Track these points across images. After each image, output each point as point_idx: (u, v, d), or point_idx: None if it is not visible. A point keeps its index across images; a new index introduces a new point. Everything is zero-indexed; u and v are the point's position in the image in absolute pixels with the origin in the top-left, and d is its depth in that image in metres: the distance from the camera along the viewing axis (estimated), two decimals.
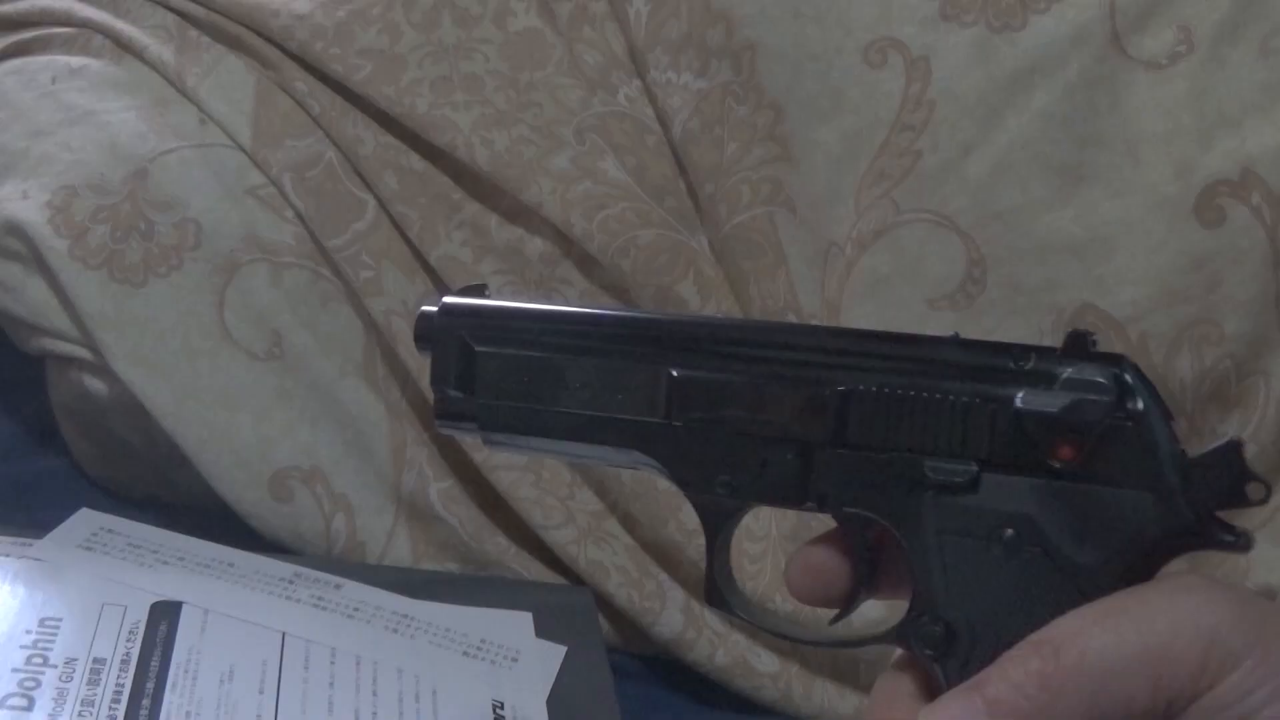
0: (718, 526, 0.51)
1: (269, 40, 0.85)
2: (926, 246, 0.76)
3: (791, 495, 0.49)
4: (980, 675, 0.43)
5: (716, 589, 0.51)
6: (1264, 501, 0.43)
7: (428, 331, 0.54)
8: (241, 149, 0.83)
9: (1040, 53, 0.74)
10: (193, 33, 0.87)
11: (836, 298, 0.79)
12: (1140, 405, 0.44)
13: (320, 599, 0.74)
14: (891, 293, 0.77)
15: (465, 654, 0.72)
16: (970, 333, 0.74)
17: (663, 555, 0.81)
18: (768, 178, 0.80)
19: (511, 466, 0.81)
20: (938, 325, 0.76)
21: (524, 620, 0.76)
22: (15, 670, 0.62)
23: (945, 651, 0.46)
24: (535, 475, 0.81)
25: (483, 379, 0.52)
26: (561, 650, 0.74)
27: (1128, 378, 0.44)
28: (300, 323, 0.82)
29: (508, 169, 0.81)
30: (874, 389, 0.47)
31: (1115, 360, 0.44)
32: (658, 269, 0.81)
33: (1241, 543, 0.44)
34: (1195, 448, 0.44)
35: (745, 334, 0.51)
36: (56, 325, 0.82)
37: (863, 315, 0.78)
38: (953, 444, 0.46)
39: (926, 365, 0.47)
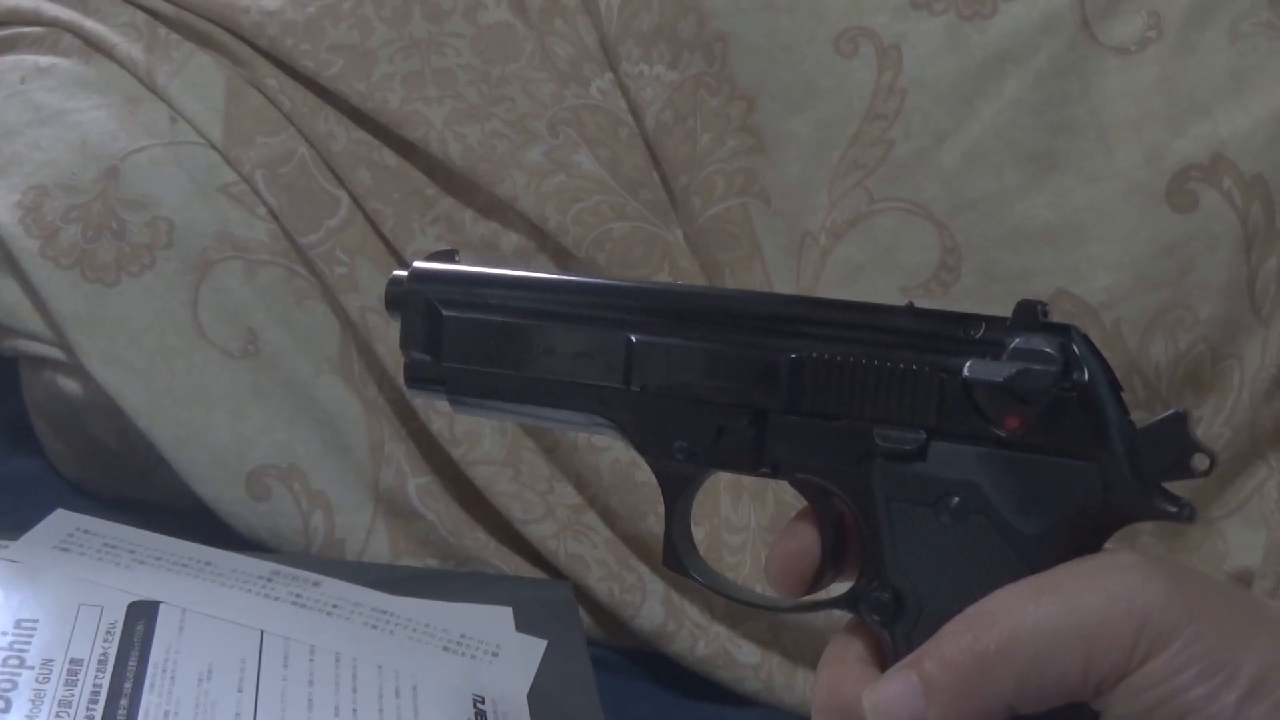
0: (676, 492, 0.51)
1: (239, 37, 0.84)
2: (900, 235, 0.76)
3: (746, 461, 0.49)
4: (918, 651, 0.44)
5: (675, 553, 0.52)
6: (1208, 473, 0.44)
7: (397, 296, 0.55)
8: (213, 146, 0.83)
9: (1011, 40, 0.74)
10: (162, 30, 0.86)
11: (811, 287, 0.79)
12: (1087, 375, 0.44)
13: (299, 596, 0.73)
14: (866, 282, 0.77)
15: (445, 649, 0.72)
16: None
17: (642, 548, 0.81)
18: (741, 169, 0.80)
19: (490, 461, 0.81)
20: None
21: (504, 614, 0.76)
22: None
23: (893, 617, 0.46)
24: (514, 470, 0.81)
25: (449, 343, 0.53)
26: (542, 644, 0.74)
27: (1075, 348, 0.44)
28: (275, 320, 0.82)
29: (481, 163, 0.81)
30: (826, 356, 0.48)
31: (1063, 330, 0.45)
32: (633, 261, 0.81)
33: (1185, 513, 0.44)
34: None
35: (703, 301, 0.51)
36: (29, 326, 0.82)
37: None
38: (902, 412, 0.46)
39: (878, 334, 0.47)
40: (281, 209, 0.82)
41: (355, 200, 0.83)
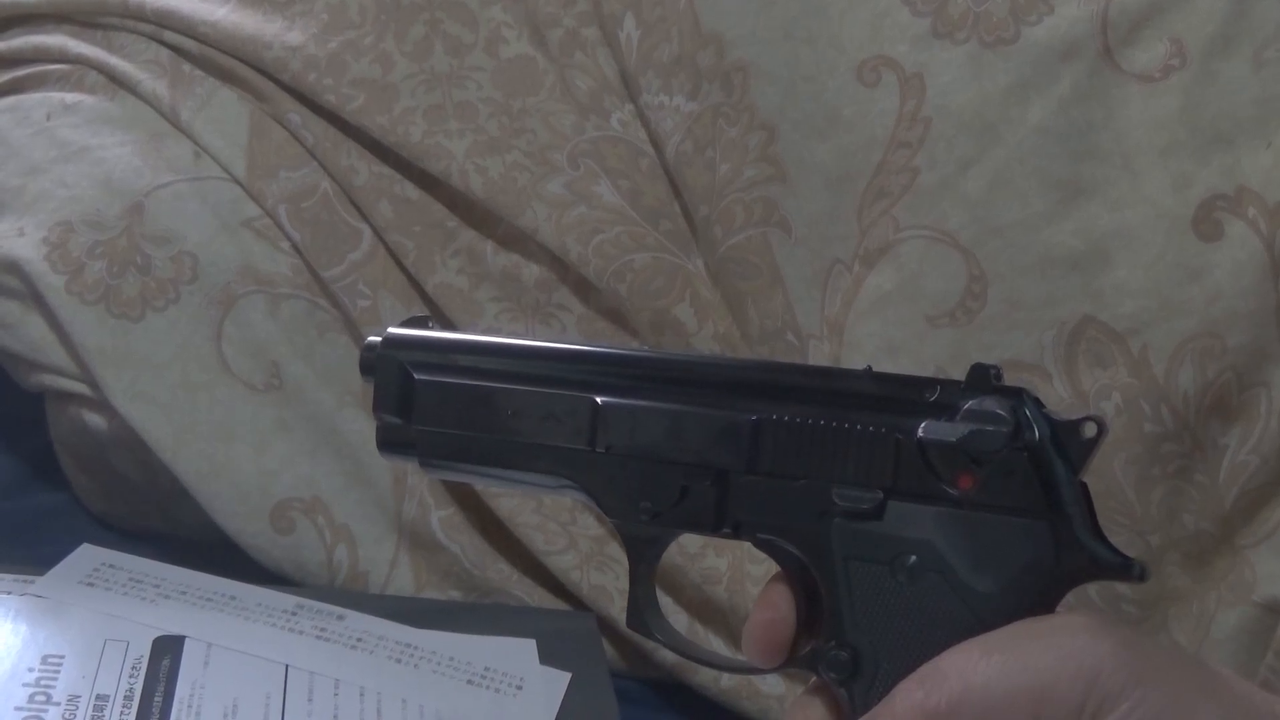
0: (641, 555, 0.52)
1: (262, 72, 0.85)
2: (926, 263, 0.76)
3: (709, 522, 0.51)
4: (873, 711, 0.45)
5: (639, 614, 0.53)
6: (1098, 439, 0.45)
7: (371, 361, 0.56)
8: (236, 181, 0.84)
9: (1033, 67, 0.74)
10: (186, 66, 0.87)
11: (841, 316, 0.79)
12: (1037, 436, 0.45)
13: (323, 630, 0.73)
14: (892, 310, 0.77)
15: (469, 682, 0.72)
16: (971, 349, 0.75)
17: (665, 579, 0.81)
18: (761, 198, 0.80)
19: (512, 493, 0.81)
20: (938, 343, 0.75)
21: (528, 647, 0.75)
22: (18, 709, 0.62)
23: (850, 676, 0.47)
24: (536, 501, 0.81)
25: (421, 407, 0.55)
26: (566, 676, 0.74)
27: (1026, 410, 0.46)
28: (298, 353, 0.82)
29: (502, 195, 0.82)
30: (786, 418, 0.49)
31: (1015, 393, 0.46)
32: (654, 292, 0.81)
33: (1136, 572, 0.45)
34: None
35: (667, 365, 0.53)
36: (55, 361, 0.82)
37: (865, 333, 0.78)
38: (859, 472, 0.47)
39: (837, 396, 0.49)
40: (304, 243, 0.83)
41: (377, 233, 0.83)
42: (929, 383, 0.47)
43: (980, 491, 0.46)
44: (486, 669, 0.73)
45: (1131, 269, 0.73)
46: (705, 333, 0.81)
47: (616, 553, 0.82)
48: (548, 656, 0.75)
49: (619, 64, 0.83)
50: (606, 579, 0.81)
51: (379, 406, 0.56)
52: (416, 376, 0.55)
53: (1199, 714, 0.42)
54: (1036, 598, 0.45)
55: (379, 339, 0.56)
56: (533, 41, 0.85)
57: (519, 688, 0.72)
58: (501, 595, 0.83)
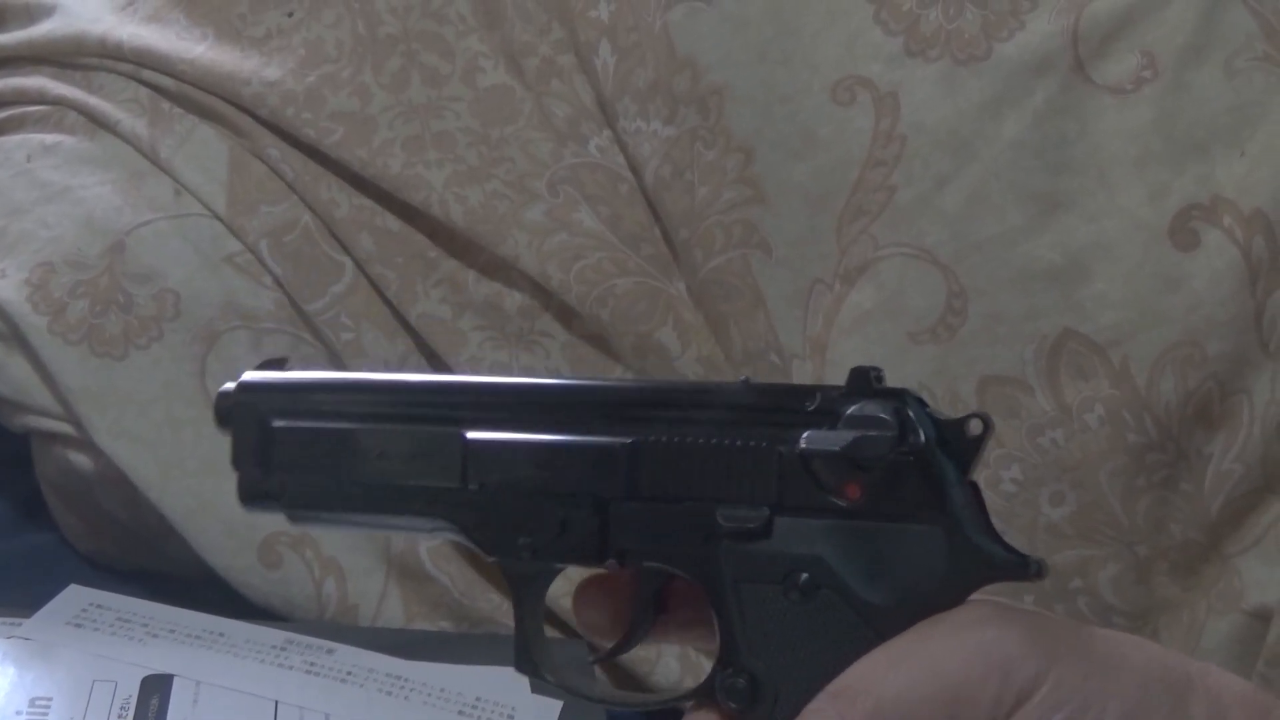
0: (525, 592, 0.50)
1: (241, 108, 0.85)
2: (906, 280, 0.76)
3: (592, 554, 0.48)
4: None
5: (527, 655, 0.51)
6: (984, 436, 0.44)
7: (227, 410, 0.53)
8: (217, 217, 0.84)
9: (1005, 83, 0.74)
10: (165, 104, 0.87)
11: (823, 335, 0.79)
12: (923, 438, 0.44)
13: (313, 665, 0.73)
14: (873, 328, 0.77)
15: (460, 713, 0.72)
16: (953, 365, 0.75)
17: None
18: (740, 220, 0.80)
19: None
20: (920, 359, 0.76)
21: (519, 676, 0.75)
22: None
23: (750, 703, 0.45)
24: None
25: (281, 455, 0.51)
26: (557, 705, 0.73)
27: (910, 412, 0.44)
28: None
29: (482, 224, 0.82)
30: (662, 439, 0.47)
31: (897, 395, 0.45)
32: (637, 317, 0.81)
33: (1033, 570, 0.44)
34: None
35: (534, 392, 0.51)
36: (39, 402, 0.82)
37: (847, 351, 0.78)
38: (743, 490, 0.46)
39: (714, 412, 0.47)
40: (286, 277, 0.83)
41: (359, 266, 0.83)
42: (808, 391, 0.46)
43: (868, 500, 0.44)
44: (478, 699, 0.73)
45: (1110, 280, 0.73)
46: (689, 356, 0.81)
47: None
48: (539, 686, 0.74)
49: (595, 90, 0.84)
50: None
51: (237, 459, 0.52)
52: (275, 424, 0.51)
53: (1118, 683, 0.42)
54: (935, 606, 0.44)
55: (233, 386, 0.53)
56: (509, 70, 0.85)
57: (510, 717, 0.72)
58: (492, 625, 0.82)
